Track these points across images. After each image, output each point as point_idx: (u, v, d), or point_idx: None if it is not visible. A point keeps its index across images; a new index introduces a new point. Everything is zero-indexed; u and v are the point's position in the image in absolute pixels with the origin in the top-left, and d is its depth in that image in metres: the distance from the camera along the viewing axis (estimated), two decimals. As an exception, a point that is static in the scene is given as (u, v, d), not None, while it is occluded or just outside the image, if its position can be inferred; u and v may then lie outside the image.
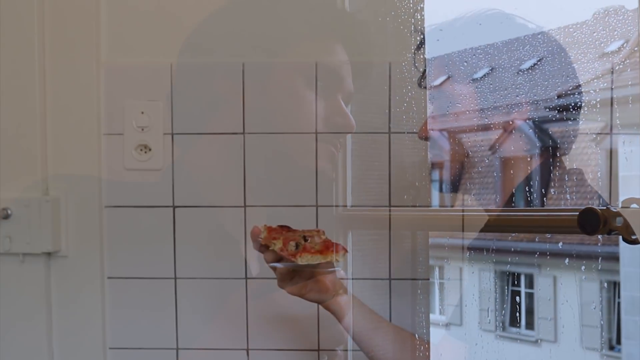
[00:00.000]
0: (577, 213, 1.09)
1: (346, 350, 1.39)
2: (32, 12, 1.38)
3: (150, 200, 1.40)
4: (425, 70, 1.39)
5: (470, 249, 1.40)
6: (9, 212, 1.37)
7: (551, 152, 1.41)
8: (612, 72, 1.35)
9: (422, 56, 1.39)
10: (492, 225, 1.31)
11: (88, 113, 1.40)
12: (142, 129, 1.40)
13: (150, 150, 1.40)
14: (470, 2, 1.44)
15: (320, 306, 1.31)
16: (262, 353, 1.39)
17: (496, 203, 1.42)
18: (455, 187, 1.45)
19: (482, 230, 1.32)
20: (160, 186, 1.39)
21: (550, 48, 1.41)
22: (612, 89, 1.34)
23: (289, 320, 1.41)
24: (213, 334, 1.40)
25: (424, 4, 1.39)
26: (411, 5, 1.38)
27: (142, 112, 1.40)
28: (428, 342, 1.37)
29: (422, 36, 1.38)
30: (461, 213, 1.38)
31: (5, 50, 1.38)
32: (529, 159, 1.40)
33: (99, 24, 1.40)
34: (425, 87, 1.40)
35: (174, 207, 1.39)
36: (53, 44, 1.39)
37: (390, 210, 1.40)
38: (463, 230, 1.34)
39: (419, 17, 1.38)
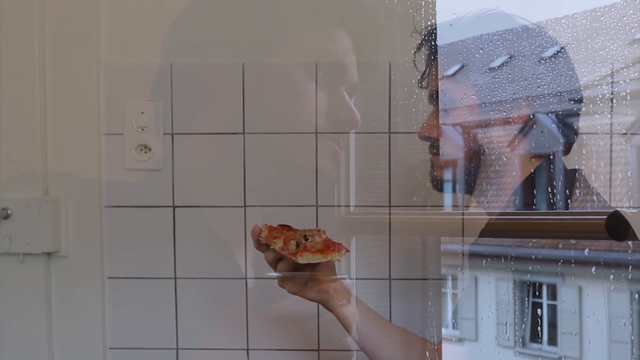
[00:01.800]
0: (605, 217, 1.01)
1: (347, 350, 1.38)
2: (32, 12, 1.39)
3: (150, 200, 1.40)
4: (425, 70, 1.37)
5: (486, 256, 1.34)
6: (9, 212, 1.37)
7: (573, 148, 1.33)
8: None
9: (428, 48, 1.36)
10: (509, 230, 1.26)
11: (88, 113, 1.40)
12: (142, 129, 1.39)
13: (150, 150, 1.40)
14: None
15: (321, 307, 1.30)
16: (262, 353, 1.39)
17: (515, 204, 1.36)
18: (463, 186, 1.42)
19: (497, 236, 1.28)
20: (160, 186, 1.39)
21: (575, 34, 1.33)
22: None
23: (289, 321, 1.41)
24: (213, 334, 1.40)
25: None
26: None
27: (142, 112, 1.40)
28: (439, 344, 1.35)
29: (425, 33, 1.36)
30: (474, 217, 1.34)
31: (5, 50, 1.39)
32: (533, 159, 1.35)
33: (99, 24, 1.40)
34: (426, 87, 1.38)
35: (174, 207, 1.39)
36: (53, 44, 1.40)
37: (390, 211, 1.39)
38: (463, 235, 1.30)
39: (429, 2, 1.35)
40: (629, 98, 1.28)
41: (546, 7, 1.37)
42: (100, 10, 1.40)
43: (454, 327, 1.46)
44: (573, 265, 1.28)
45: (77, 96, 1.40)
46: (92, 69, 1.40)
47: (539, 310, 1.49)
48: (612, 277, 1.23)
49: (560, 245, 1.28)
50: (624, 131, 1.37)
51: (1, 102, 1.39)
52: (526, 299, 1.46)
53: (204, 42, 1.39)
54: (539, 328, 1.50)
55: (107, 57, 1.41)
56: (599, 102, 1.32)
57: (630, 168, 1.37)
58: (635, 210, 1.02)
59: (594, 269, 1.24)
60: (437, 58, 1.33)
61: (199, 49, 1.39)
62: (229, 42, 1.39)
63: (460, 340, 1.48)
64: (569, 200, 1.30)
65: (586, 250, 1.25)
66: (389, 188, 1.40)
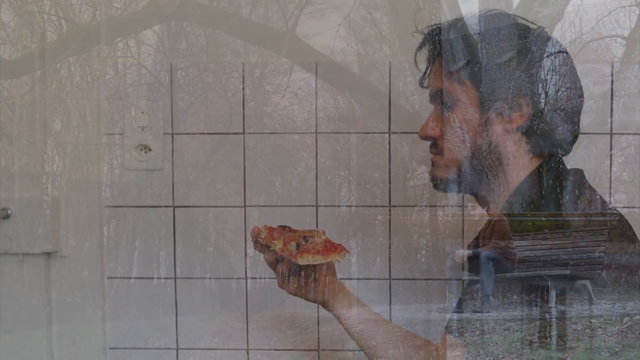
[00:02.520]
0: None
1: (347, 350, 1.38)
2: (32, 12, 1.39)
3: (150, 200, 1.40)
4: (426, 70, 1.36)
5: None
6: (9, 212, 1.37)
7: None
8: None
9: (431, 45, 1.35)
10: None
11: (88, 113, 1.40)
12: (142, 129, 1.39)
13: (150, 150, 1.39)
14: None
15: (321, 307, 1.29)
16: (262, 353, 1.38)
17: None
18: (464, 186, 1.40)
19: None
20: (160, 186, 1.39)
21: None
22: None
23: (289, 321, 1.41)
24: (213, 334, 1.40)
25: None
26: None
27: (142, 112, 1.39)
28: (442, 344, 1.34)
29: (426, 33, 1.34)
30: (475, 217, 1.33)
31: (5, 50, 1.39)
32: (534, 158, 1.34)
33: (100, 24, 1.40)
34: (426, 87, 1.37)
35: (174, 207, 1.39)
36: (53, 44, 1.40)
37: (390, 211, 1.38)
38: (463, 236, 1.30)
39: (432, 1, 1.34)
40: (640, 96, 1.25)
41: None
42: (100, 10, 1.40)
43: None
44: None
45: (77, 96, 1.40)
46: (93, 69, 1.40)
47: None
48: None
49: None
50: (635, 130, 1.36)
51: (1, 103, 1.39)
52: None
53: (204, 42, 1.39)
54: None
55: (107, 57, 1.41)
56: (608, 100, 1.30)
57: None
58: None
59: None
60: (437, 58, 1.32)
61: (199, 49, 1.39)
62: (229, 42, 1.39)
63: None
64: (578, 201, 1.28)
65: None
66: (389, 188, 1.39)
